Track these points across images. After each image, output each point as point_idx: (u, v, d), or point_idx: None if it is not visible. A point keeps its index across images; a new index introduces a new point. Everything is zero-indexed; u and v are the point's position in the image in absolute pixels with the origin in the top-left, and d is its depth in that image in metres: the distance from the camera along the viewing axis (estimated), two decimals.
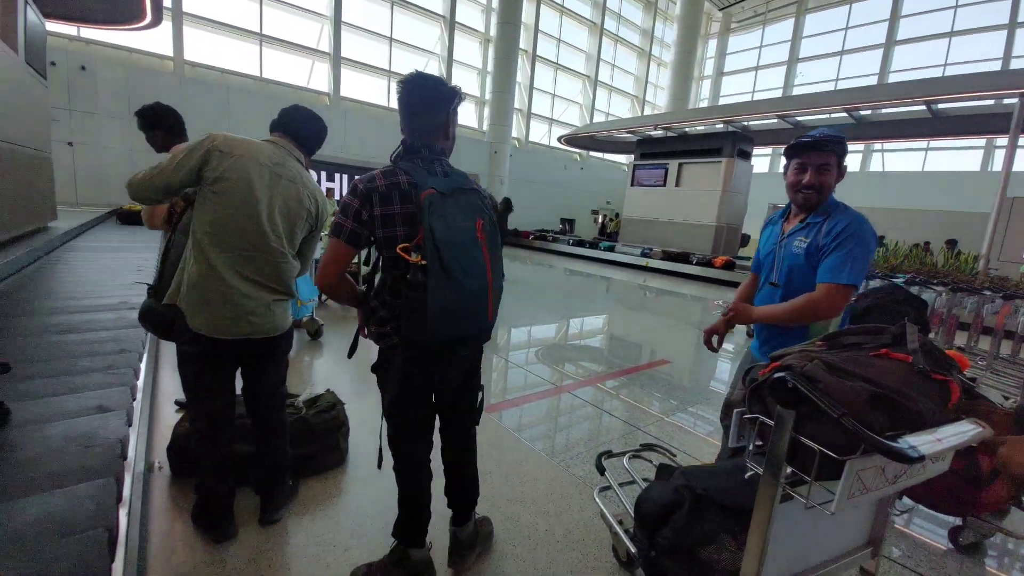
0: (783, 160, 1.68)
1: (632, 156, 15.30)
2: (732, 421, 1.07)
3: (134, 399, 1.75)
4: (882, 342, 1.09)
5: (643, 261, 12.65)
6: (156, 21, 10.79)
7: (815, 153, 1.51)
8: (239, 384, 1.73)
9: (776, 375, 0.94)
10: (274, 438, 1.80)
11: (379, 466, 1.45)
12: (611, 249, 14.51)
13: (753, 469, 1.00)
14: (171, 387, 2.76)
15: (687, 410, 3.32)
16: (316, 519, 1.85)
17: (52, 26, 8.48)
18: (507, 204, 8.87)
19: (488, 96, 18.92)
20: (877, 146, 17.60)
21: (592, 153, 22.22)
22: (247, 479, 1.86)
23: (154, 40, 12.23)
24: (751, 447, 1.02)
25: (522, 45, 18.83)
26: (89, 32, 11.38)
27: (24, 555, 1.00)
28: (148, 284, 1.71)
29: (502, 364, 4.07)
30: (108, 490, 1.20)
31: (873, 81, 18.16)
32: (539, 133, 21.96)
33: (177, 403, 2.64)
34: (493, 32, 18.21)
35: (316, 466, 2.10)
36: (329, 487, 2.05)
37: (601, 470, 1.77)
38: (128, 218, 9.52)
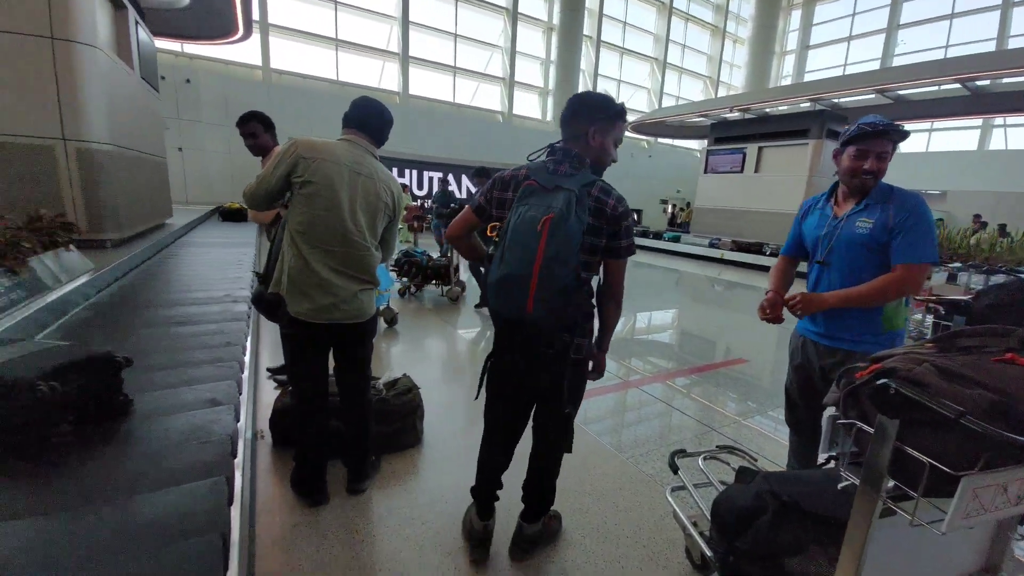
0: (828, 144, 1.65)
1: (705, 141, 14.50)
2: (824, 426, 1.01)
3: (240, 393, 1.91)
4: (1008, 346, 0.97)
5: (716, 253, 12.00)
6: (247, 34, 11.77)
7: (877, 141, 1.54)
8: (331, 368, 1.89)
9: (879, 382, 0.88)
10: (360, 415, 1.95)
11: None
12: (677, 240, 13.91)
13: (848, 479, 0.93)
14: (267, 363, 3.07)
15: (767, 414, 3.14)
16: (396, 493, 1.98)
17: (160, 43, 9.52)
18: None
19: (552, 86, 18.70)
20: (998, 121, 15.26)
21: (661, 140, 21.29)
22: (338, 453, 2.03)
23: (245, 52, 13.38)
24: (846, 455, 0.96)
25: (586, 31, 18.39)
26: (191, 48, 12.68)
27: (145, 555, 1.04)
28: (257, 273, 1.91)
29: None
30: (220, 489, 1.26)
31: (990, 48, 15.75)
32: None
33: (268, 370, 2.96)
34: (556, 20, 17.92)
35: (395, 444, 2.25)
36: (407, 464, 2.19)
37: (674, 469, 1.73)
38: (229, 215, 10.56)
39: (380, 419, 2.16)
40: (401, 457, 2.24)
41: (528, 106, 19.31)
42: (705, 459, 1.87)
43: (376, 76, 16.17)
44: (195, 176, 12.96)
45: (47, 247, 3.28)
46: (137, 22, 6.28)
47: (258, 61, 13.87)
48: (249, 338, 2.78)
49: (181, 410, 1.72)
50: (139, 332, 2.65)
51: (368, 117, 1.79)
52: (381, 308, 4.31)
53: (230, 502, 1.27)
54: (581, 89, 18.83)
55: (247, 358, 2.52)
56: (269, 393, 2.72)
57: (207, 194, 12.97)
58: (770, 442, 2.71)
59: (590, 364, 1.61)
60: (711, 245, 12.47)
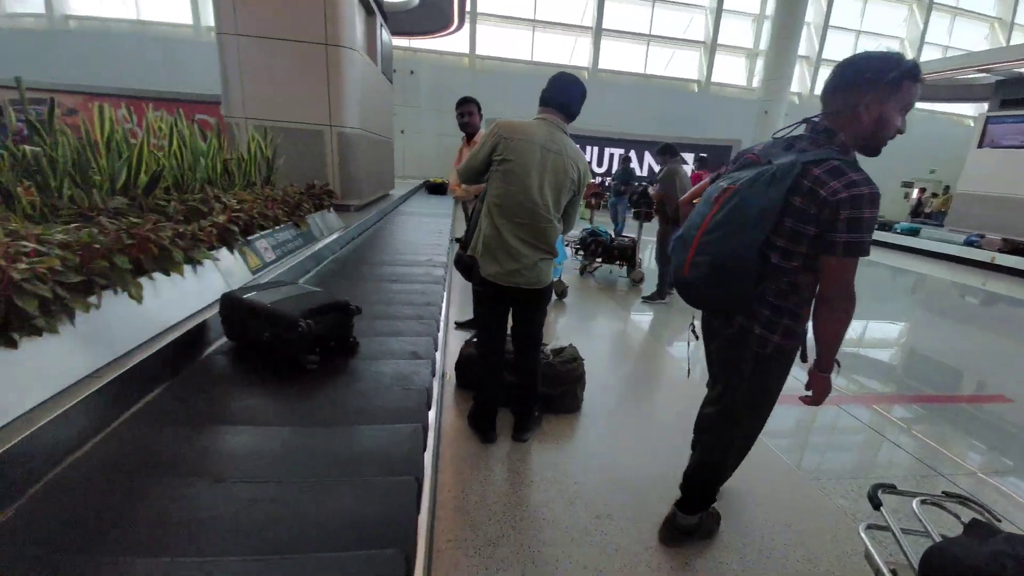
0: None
1: (985, 105, 10.87)
2: None
3: (436, 350, 2.24)
4: None
5: (982, 255, 9.06)
6: (460, 25, 13.14)
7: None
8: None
9: None
10: (529, 372, 2.15)
11: None
12: (914, 233, 10.90)
13: None
14: (456, 316, 3.57)
15: None
16: (554, 449, 2.14)
17: (394, 40, 11.28)
18: None
19: (763, 45, 16.22)
20: None
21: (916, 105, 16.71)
22: (507, 402, 2.29)
23: (456, 42, 14.96)
24: None
25: None
26: (416, 43, 14.75)
27: (356, 480, 1.23)
28: (458, 239, 2.24)
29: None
30: (417, 435, 1.44)
31: None
32: None
33: (456, 323, 3.43)
34: None
35: (557, 407, 2.41)
36: (566, 427, 2.33)
37: (875, 504, 1.45)
38: (433, 189, 12.31)
39: (545, 382, 2.33)
40: (561, 420, 2.39)
41: (730, 72, 17.19)
42: (923, 503, 1.52)
43: (568, 53, 16.39)
44: (411, 154, 15.31)
45: (317, 208, 4.35)
46: (381, 25, 7.60)
47: (466, 49, 15.40)
48: (445, 296, 3.25)
49: (389, 357, 2.02)
50: (364, 285, 3.32)
51: (559, 94, 1.88)
52: (553, 280, 4.52)
53: (424, 448, 1.45)
54: (803, 45, 15.87)
55: (443, 315, 2.96)
56: (456, 342, 3.16)
57: (419, 169, 15.23)
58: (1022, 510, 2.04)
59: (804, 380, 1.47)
60: (968, 243, 9.45)
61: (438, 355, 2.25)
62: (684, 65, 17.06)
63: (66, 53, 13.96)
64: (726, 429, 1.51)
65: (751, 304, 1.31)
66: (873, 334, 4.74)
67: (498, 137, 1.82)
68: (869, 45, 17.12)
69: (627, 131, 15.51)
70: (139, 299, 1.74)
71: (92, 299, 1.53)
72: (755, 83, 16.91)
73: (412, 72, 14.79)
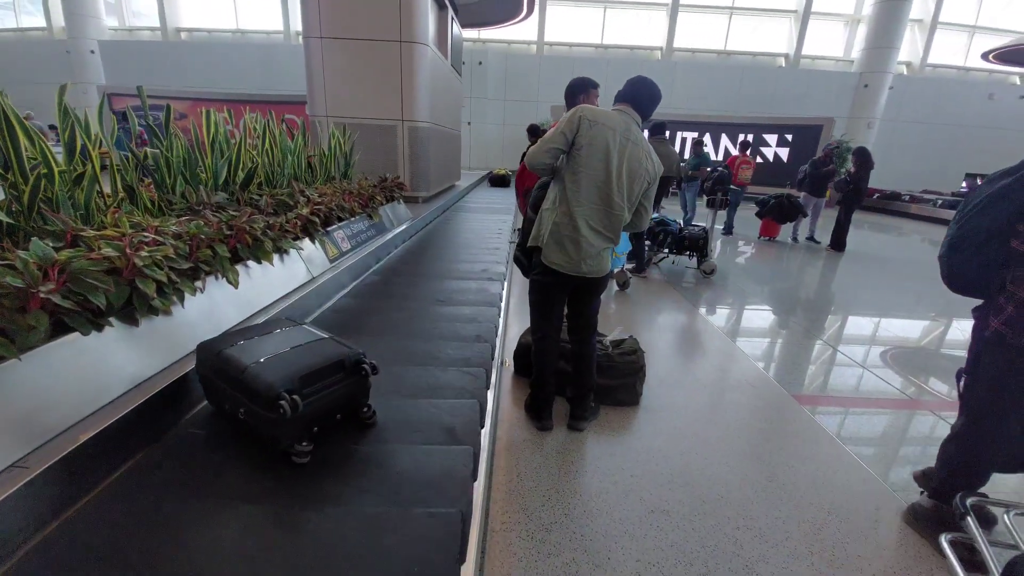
0: None
1: None
2: None
3: (496, 332, 2.33)
4: None
5: None
6: (529, 12, 13.03)
7: None
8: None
9: None
10: (586, 362, 2.15)
11: None
12: None
13: None
14: (518, 306, 3.62)
15: None
16: (610, 441, 2.13)
17: (465, 33, 11.44)
18: (861, 155, 6.87)
19: (866, 10, 14.50)
20: None
21: None
22: (563, 391, 2.30)
23: (523, 30, 14.87)
24: None
25: None
26: (485, 33, 14.85)
27: (421, 445, 1.39)
28: (518, 229, 2.29)
29: (827, 353, 3.39)
30: (474, 409, 1.59)
31: None
32: (946, 52, 15.54)
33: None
34: None
35: (614, 399, 2.39)
36: (624, 420, 2.31)
37: (961, 514, 1.32)
38: (496, 181, 12.38)
39: (603, 372, 2.32)
40: (618, 412, 2.36)
41: (824, 42, 15.57)
42: (1016, 515, 1.36)
43: (640, 33, 15.71)
44: (476, 145, 15.56)
45: (388, 200, 4.59)
46: (452, 18, 7.76)
47: (534, 36, 15.27)
48: (505, 285, 3.32)
49: (458, 339, 2.21)
50: (407, 306, 3.47)
51: (639, 95, 1.93)
52: (616, 271, 4.43)
53: (482, 425, 1.59)
54: (914, 7, 13.92)
55: (503, 303, 3.03)
56: (516, 329, 3.22)
57: (483, 160, 15.46)
58: None
59: None
60: None
61: (500, 337, 2.32)
62: (770, 38, 15.69)
63: (177, 62, 15.74)
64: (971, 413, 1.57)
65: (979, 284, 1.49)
66: None
67: (581, 119, 1.84)
68: (992, 4, 14.75)
69: (701, 113, 14.63)
70: (235, 284, 1.96)
71: (198, 283, 1.76)
72: (854, 53, 15.18)
73: (480, 63, 14.96)
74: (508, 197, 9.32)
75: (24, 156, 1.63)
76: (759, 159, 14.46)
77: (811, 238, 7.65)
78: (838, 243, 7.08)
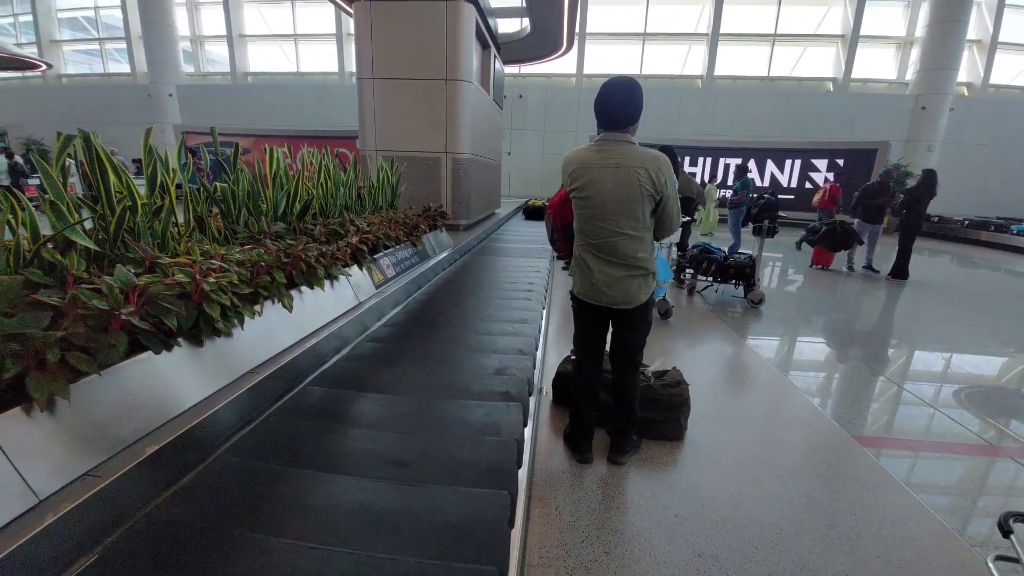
0: None
1: None
2: None
3: (536, 349, 2.38)
4: None
5: None
6: (569, 47, 13.41)
7: None
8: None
9: None
10: (626, 394, 2.10)
11: None
12: None
13: None
14: (557, 334, 3.60)
15: None
16: (653, 478, 2.05)
17: (506, 69, 11.88)
18: (927, 178, 6.52)
19: (919, 31, 14.01)
20: None
21: None
22: (604, 423, 2.25)
23: (563, 63, 15.28)
24: None
25: None
26: (525, 68, 15.37)
27: (469, 442, 1.54)
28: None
29: (892, 391, 3.15)
30: (517, 411, 1.71)
31: None
32: (1009, 72, 14.66)
33: None
34: None
35: (657, 432, 2.30)
36: (668, 456, 2.21)
37: (1006, 532, 1.20)
38: (530, 213, 11.15)
39: (645, 405, 2.25)
40: (662, 447, 2.28)
41: (874, 66, 15.09)
42: None
43: (679, 62, 15.80)
44: (516, 174, 15.91)
45: (430, 228, 4.74)
46: (495, 56, 8.11)
47: (573, 69, 15.66)
48: (544, 310, 3.33)
49: (498, 352, 2.34)
50: (479, 292, 3.57)
51: (600, 113, 1.86)
52: (657, 299, 4.34)
53: (525, 423, 1.68)
54: (973, 27, 13.31)
55: (543, 323, 3.04)
56: (554, 357, 3.20)
57: (522, 189, 15.74)
58: None
59: None
60: None
61: (539, 354, 2.33)
62: (816, 63, 15.38)
63: (243, 102, 17.17)
64: None
65: None
66: None
67: (564, 171, 1.98)
68: None
69: (744, 139, 14.37)
70: (290, 308, 2.07)
71: (256, 307, 1.87)
72: (908, 76, 14.59)
73: (521, 96, 15.45)
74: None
75: (112, 190, 1.82)
76: (808, 184, 13.96)
77: (868, 267, 7.22)
78: (900, 271, 6.65)
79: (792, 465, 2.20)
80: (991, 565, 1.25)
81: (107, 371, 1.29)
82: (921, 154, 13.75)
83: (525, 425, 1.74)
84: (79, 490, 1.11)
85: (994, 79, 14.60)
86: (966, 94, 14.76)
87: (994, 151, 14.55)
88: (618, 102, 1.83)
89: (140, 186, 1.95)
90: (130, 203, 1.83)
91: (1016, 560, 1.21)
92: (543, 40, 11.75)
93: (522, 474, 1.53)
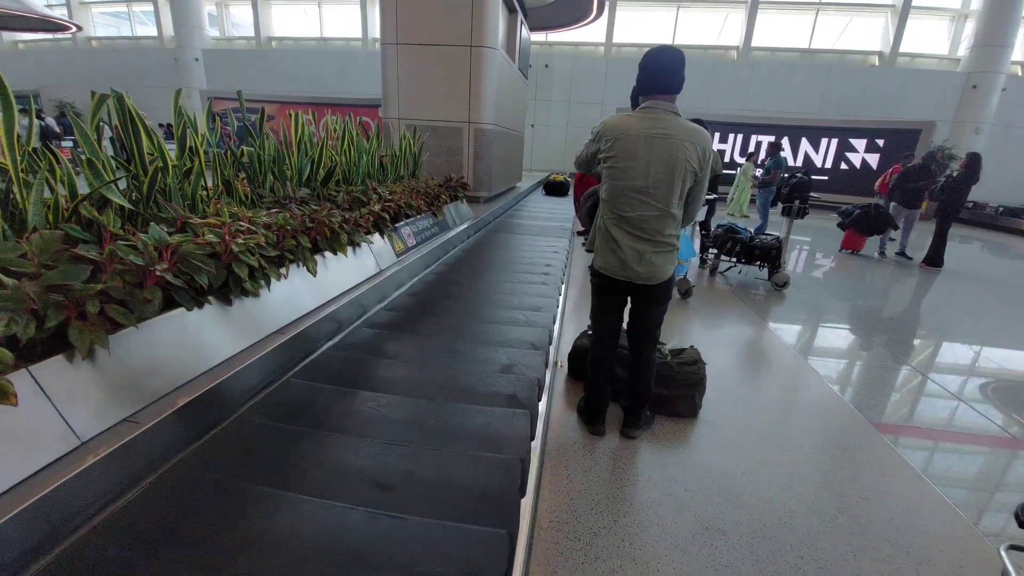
0: None
1: None
2: None
3: (551, 343, 2.29)
4: None
5: None
6: (599, 14, 12.87)
7: None
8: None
9: None
10: (642, 371, 2.10)
11: None
12: None
13: None
14: (575, 309, 3.60)
15: None
16: (665, 453, 2.07)
17: (532, 36, 11.50)
18: (972, 162, 6.18)
19: (976, 5, 13.03)
20: None
21: None
22: (618, 398, 2.27)
23: (591, 32, 14.72)
24: None
25: None
26: (552, 36, 14.86)
27: (468, 456, 1.33)
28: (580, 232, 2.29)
29: (916, 380, 3.08)
30: (525, 420, 1.53)
31: None
32: None
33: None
34: None
35: (671, 409, 2.31)
36: (680, 432, 2.23)
37: (1022, 523, 1.20)
38: (552, 188, 10.48)
39: (661, 382, 2.25)
40: (675, 424, 2.29)
41: (925, 40, 14.14)
42: None
43: (715, 31, 15.07)
44: (539, 147, 15.61)
45: (451, 199, 4.73)
46: (522, 22, 7.85)
47: (602, 38, 15.08)
48: (564, 285, 3.32)
49: (506, 345, 2.18)
50: (507, 251, 3.57)
51: (649, 77, 1.80)
52: (678, 278, 4.28)
53: (540, 397, 1.68)
54: None
55: (560, 301, 3.03)
56: (571, 331, 3.21)
57: (545, 163, 15.47)
58: None
59: None
60: None
61: (552, 347, 2.32)
62: (862, 35, 14.47)
63: (268, 68, 17.13)
64: None
65: None
66: None
67: (600, 137, 1.89)
68: None
69: (779, 115, 13.76)
70: (314, 272, 2.11)
71: (282, 270, 1.91)
72: (960, 51, 13.65)
73: (547, 66, 15.00)
74: (566, 208, 8.83)
75: (144, 151, 1.86)
76: (843, 165, 13.37)
77: (901, 253, 6.95)
78: (934, 259, 6.39)
79: (807, 448, 2.19)
80: (1004, 554, 1.24)
81: (143, 324, 1.35)
82: (968, 136, 12.98)
83: (539, 398, 1.75)
84: (117, 435, 1.17)
85: None
86: (1021, 74, 13.77)
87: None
88: (673, 67, 1.77)
89: (171, 150, 1.99)
90: (161, 164, 1.88)
91: None
92: (572, 5, 11.28)
93: (535, 444, 1.54)
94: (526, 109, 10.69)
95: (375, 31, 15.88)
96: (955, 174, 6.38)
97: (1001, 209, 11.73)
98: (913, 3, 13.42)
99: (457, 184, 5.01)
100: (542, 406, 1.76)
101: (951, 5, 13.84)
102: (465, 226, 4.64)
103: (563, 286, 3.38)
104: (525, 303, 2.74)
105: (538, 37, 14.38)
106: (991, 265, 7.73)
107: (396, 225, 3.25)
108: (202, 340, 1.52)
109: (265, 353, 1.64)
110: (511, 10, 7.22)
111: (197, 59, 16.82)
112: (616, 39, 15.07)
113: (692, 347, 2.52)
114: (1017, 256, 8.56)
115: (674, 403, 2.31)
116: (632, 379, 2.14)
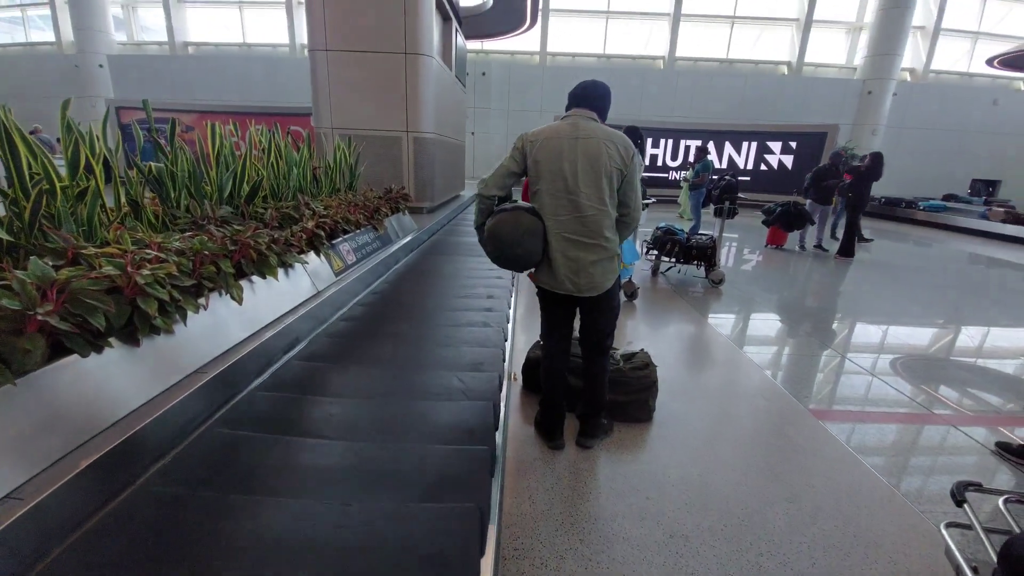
0: None
1: None
2: None
3: (506, 340, 2.27)
4: None
5: None
6: (533, 23, 13.14)
7: None
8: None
9: None
10: (596, 379, 2.09)
11: None
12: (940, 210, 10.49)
13: None
14: (526, 315, 3.57)
15: None
16: (624, 461, 2.06)
17: (468, 44, 11.51)
18: (875, 161, 6.84)
19: (868, 17, 14.56)
20: None
21: None
22: (574, 407, 2.24)
23: (527, 41, 14.98)
24: None
25: None
26: (488, 44, 14.96)
27: (420, 508, 1.20)
28: None
29: (836, 362, 3.31)
30: (488, 412, 1.60)
31: None
32: (949, 58, 15.52)
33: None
34: None
35: (626, 415, 2.32)
36: (636, 438, 2.24)
37: (958, 501, 1.31)
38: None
39: (614, 388, 2.25)
40: (631, 429, 2.30)
41: (826, 51, 15.62)
42: (1008, 501, 1.37)
43: (642, 43, 15.80)
44: (480, 155, 15.61)
45: (393, 211, 4.56)
46: (457, 30, 7.79)
47: (537, 47, 15.37)
48: (513, 293, 3.27)
49: (468, 344, 2.24)
50: (446, 279, 3.47)
51: (584, 95, 1.90)
52: (624, 280, 4.38)
53: (500, 387, 1.72)
54: (918, 14, 13.93)
55: (511, 309, 2.99)
56: (523, 341, 3.17)
57: (487, 169, 15.44)
58: None
59: None
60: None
61: (508, 345, 2.27)
62: (772, 46, 15.74)
63: (184, 75, 15.92)
64: None
65: None
66: (1001, 342, 4.04)
67: (523, 143, 1.89)
68: (1000, 10, 14.75)
69: (704, 121, 14.63)
70: (239, 300, 1.92)
71: (201, 300, 1.71)
72: (857, 61, 15.20)
73: (484, 74, 15.05)
74: None
75: (26, 172, 1.61)
76: (763, 166, 14.43)
77: (818, 246, 7.57)
78: (846, 250, 7.01)
79: (754, 441, 2.28)
80: (944, 532, 1.32)
81: (24, 379, 1.14)
82: (867, 137, 14.44)
83: (496, 428, 1.67)
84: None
85: (935, 64, 15.42)
86: (909, 79, 15.53)
87: (934, 134, 15.47)
88: (597, 92, 1.91)
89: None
90: (48, 186, 1.63)
91: (968, 527, 1.28)
92: (507, 14, 11.43)
93: (495, 480, 1.45)
94: (466, 117, 10.64)
95: (303, 36, 15.24)
96: (861, 167, 7.02)
97: (883, 199, 13.08)
98: (815, 17, 14.79)
99: (398, 195, 4.86)
100: (499, 436, 1.69)
101: (847, 18, 15.38)
102: (409, 238, 4.50)
103: (513, 292, 3.34)
104: (475, 320, 2.66)
105: (474, 45, 14.41)
106: (891, 252, 8.58)
107: (334, 242, 3.06)
108: (105, 389, 1.32)
109: (182, 399, 1.45)
110: (445, 17, 7.15)
111: (102, 65, 15.33)
112: (551, 48, 15.41)
113: (643, 350, 2.55)
114: (905, 241, 9.59)
115: (629, 408, 2.32)
116: (586, 388, 2.12)
